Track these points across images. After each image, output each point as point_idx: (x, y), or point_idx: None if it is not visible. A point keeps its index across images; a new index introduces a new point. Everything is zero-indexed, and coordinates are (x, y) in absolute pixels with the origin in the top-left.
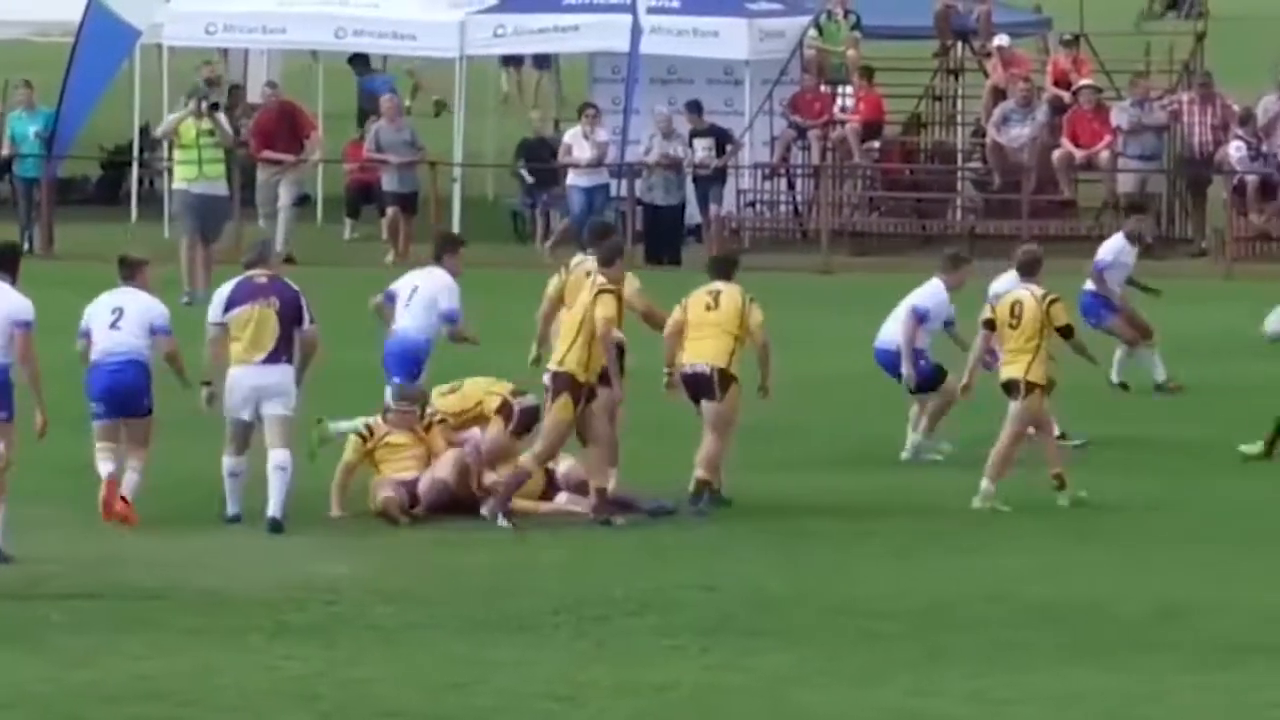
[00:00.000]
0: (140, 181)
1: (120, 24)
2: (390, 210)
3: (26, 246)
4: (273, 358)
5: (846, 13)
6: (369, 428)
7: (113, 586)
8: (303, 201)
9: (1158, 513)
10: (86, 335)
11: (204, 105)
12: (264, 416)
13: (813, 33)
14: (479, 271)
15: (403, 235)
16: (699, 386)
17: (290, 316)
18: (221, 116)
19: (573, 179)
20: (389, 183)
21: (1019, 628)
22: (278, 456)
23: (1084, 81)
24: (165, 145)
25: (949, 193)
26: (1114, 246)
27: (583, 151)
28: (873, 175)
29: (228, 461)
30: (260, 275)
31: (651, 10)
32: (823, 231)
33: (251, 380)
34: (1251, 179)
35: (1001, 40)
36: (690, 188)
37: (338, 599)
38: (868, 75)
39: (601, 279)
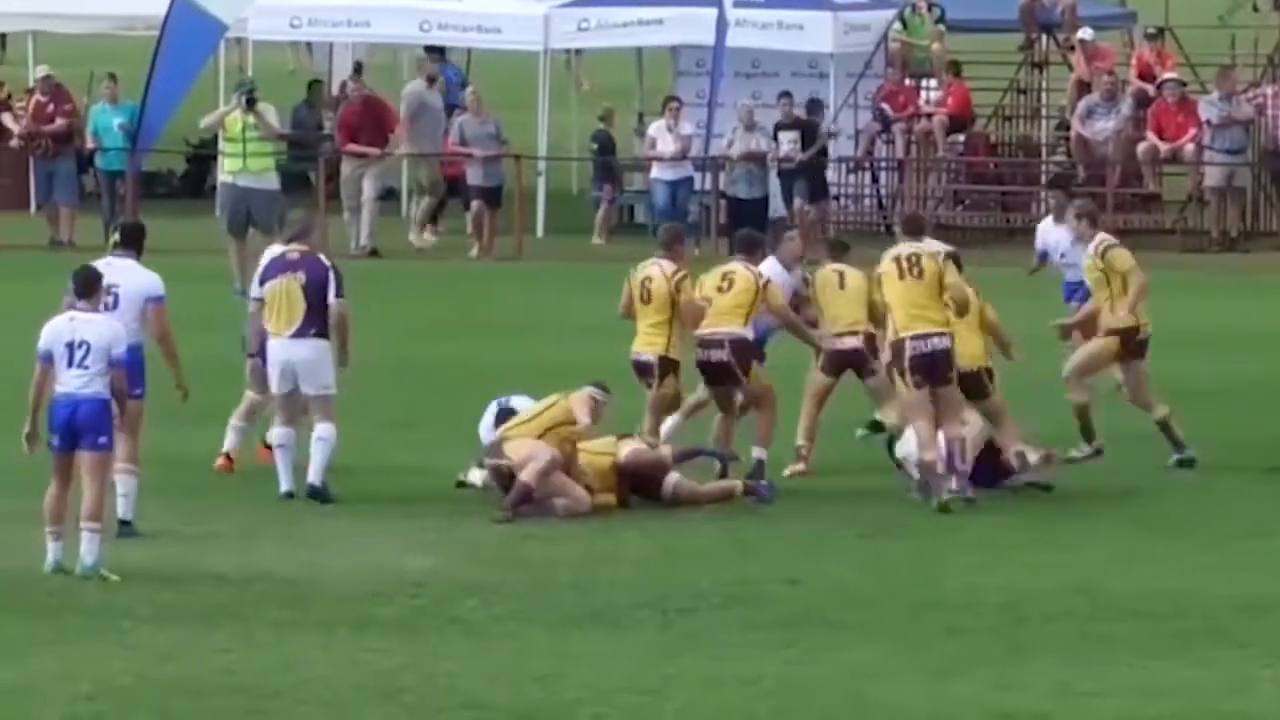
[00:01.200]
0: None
1: (207, 18)
2: (475, 204)
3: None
4: (300, 331)
5: (931, 6)
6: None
7: (198, 580)
8: (387, 195)
9: (1241, 505)
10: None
11: (244, 100)
12: (314, 394)
13: (897, 26)
14: (561, 265)
15: (487, 229)
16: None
17: (317, 291)
18: (266, 109)
19: (656, 172)
20: (473, 176)
21: (1102, 621)
22: (319, 429)
23: (1168, 75)
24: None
25: (1033, 186)
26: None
27: (666, 145)
28: (957, 169)
29: (275, 432)
30: (293, 251)
31: (737, 3)
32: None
33: (283, 354)
34: None
35: (1086, 33)
36: (776, 180)
37: (423, 592)
38: (955, 69)
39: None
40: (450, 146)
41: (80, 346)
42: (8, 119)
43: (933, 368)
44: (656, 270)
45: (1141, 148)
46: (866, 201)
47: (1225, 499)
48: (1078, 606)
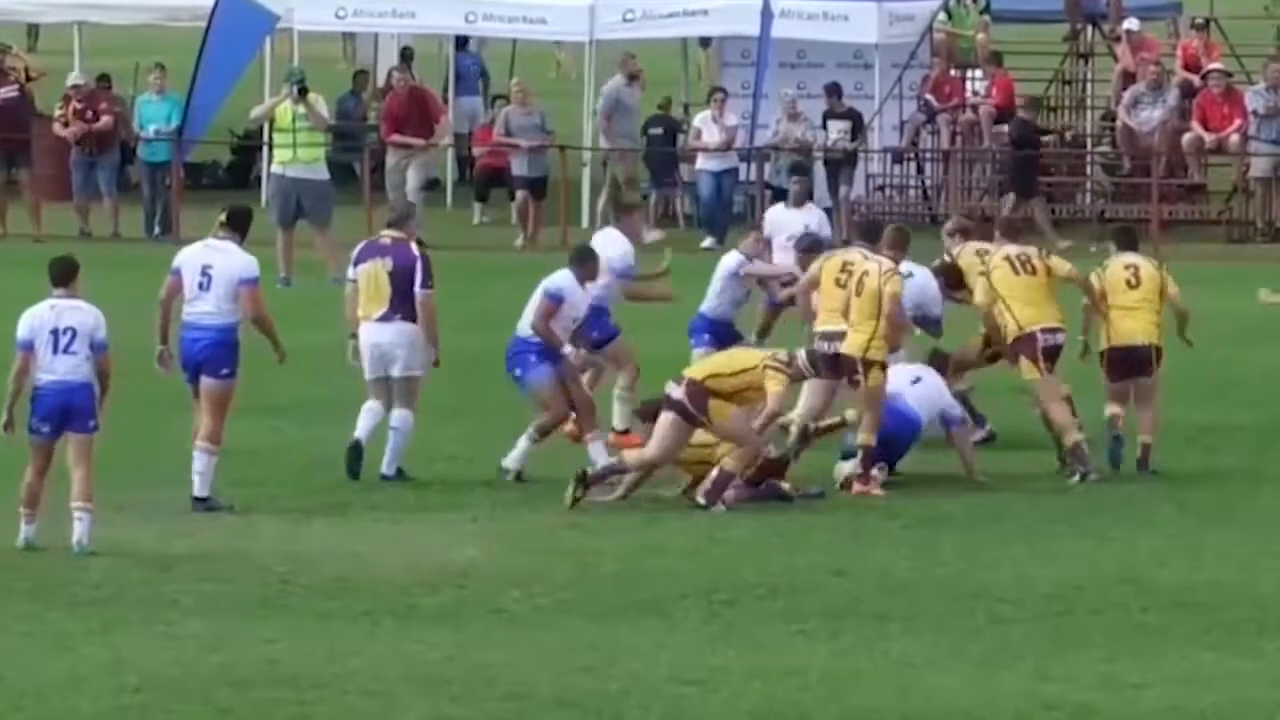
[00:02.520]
0: (270, 166)
1: (256, 9)
2: (520, 194)
3: (154, 231)
4: (386, 316)
5: None
6: None
7: (243, 570)
8: (432, 185)
9: None
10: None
11: (296, 90)
12: (400, 376)
13: (942, 16)
14: None
15: (532, 219)
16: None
17: (404, 277)
18: (316, 99)
19: (702, 163)
20: (518, 166)
21: (1149, 611)
22: (395, 416)
23: (1214, 65)
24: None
25: (1078, 176)
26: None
27: (712, 136)
28: (1002, 159)
29: (365, 405)
30: (387, 236)
31: None
32: (952, 215)
33: (370, 337)
34: None
35: (1131, 24)
36: (821, 171)
37: (468, 583)
38: (997, 60)
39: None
40: (495, 137)
41: (66, 333)
42: (58, 126)
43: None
44: (874, 266)
45: (1187, 138)
46: (911, 192)
47: (1274, 489)
48: (1124, 597)
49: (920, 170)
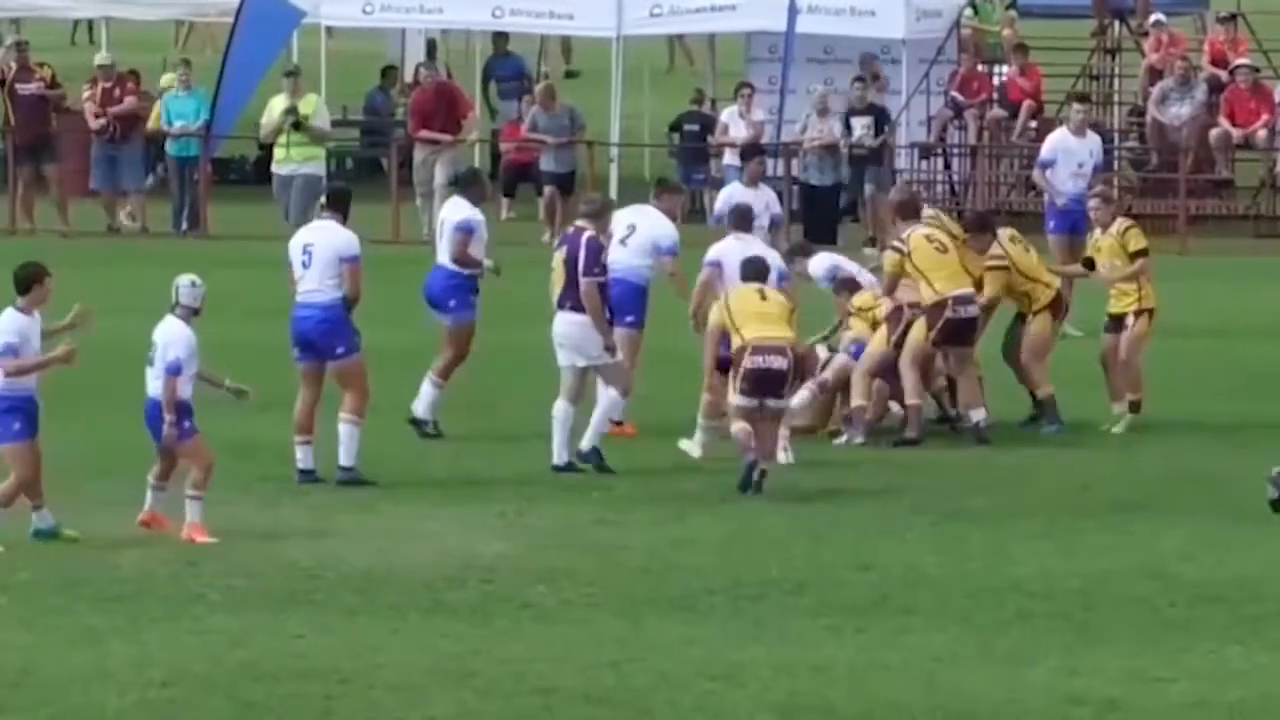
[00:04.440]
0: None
1: (282, 4)
2: (547, 190)
3: (182, 226)
4: (559, 304)
5: None
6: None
7: (270, 565)
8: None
9: None
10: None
11: (291, 125)
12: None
13: (968, 12)
14: None
15: (560, 215)
16: None
17: (572, 266)
18: (315, 113)
19: (729, 159)
20: (546, 163)
21: (1175, 606)
22: (600, 394)
23: (1241, 60)
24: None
25: (1106, 172)
26: (727, 193)
27: (739, 131)
28: (1030, 155)
29: (555, 406)
30: (574, 226)
31: None
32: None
33: (555, 324)
34: None
35: (1159, 19)
36: (848, 167)
37: (494, 578)
38: (1024, 51)
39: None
40: (523, 133)
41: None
42: (89, 107)
43: None
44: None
45: (1214, 134)
46: (939, 188)
47: None
48: (1150, 592)
49: (948, 166)
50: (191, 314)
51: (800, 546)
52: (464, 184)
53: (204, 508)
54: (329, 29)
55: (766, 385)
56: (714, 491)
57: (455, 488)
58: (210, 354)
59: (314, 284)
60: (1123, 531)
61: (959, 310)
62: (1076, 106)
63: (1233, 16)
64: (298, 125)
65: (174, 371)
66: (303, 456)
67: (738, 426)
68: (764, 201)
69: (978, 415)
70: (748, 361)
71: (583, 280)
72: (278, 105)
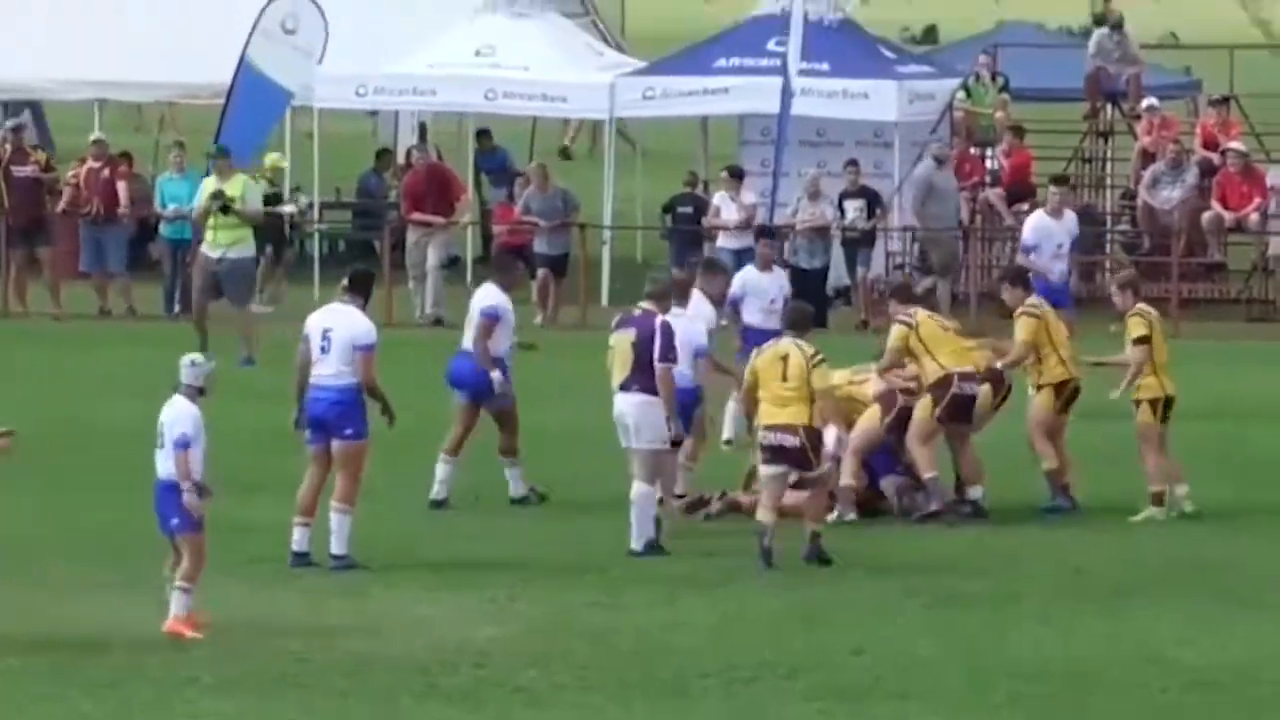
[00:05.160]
0: (291, 244)
1: (272, 86)
2: (540, 272)
3: (174, 309)
4: (625, 385)
5: (995, 75)
6: None
7: (262, 648)
8: (452, 263)
9: None
10: None
11: (219, 209)
12: (635, 448)
13: (961, 94)
14: None
15: (552, 297)
16: None
17: (644, 349)
18: (247, 196)
19: (722, 241)
20: (539, 245)
21: (1171, 692)
22: (633, 489)
23: (1233, 144)
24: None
25: (1098, 255)
26: (742, 276)
27: (730, 214)
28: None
29: (634, 489)
30: (639, 308)
31: (802, 73)
32: (971, 294)
33: (616, 406)
34: None
35: (1151, 102)
36: (839, 250)
37: (487, 662)
38: (1019, 133)
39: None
40: (515, 215)
41: None
42: (71, 186)
43: None
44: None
45: (1206, 217)
46: None
47: None
48: (1147, 677)
49: None
50: (196, 393)
51: (793, 629)
52: (498, 269)
53: (191, 601)
54: (322, 110)
55: (786, 458)
56: (707, 573)
57: (447, 571)
58: (216, 436)
59: (330, 369)
60: (1120, 616)
61: (964, 387)
62: (1054, 189)
63: (1225, 100)
64: (225, 209)
65: (182, 445)
66: (299, 538)
67: (761, 511)
68: (778, 284)
69: (975, 493)
70: (763, 437)
71: (659, 366)
72: (208, 187)
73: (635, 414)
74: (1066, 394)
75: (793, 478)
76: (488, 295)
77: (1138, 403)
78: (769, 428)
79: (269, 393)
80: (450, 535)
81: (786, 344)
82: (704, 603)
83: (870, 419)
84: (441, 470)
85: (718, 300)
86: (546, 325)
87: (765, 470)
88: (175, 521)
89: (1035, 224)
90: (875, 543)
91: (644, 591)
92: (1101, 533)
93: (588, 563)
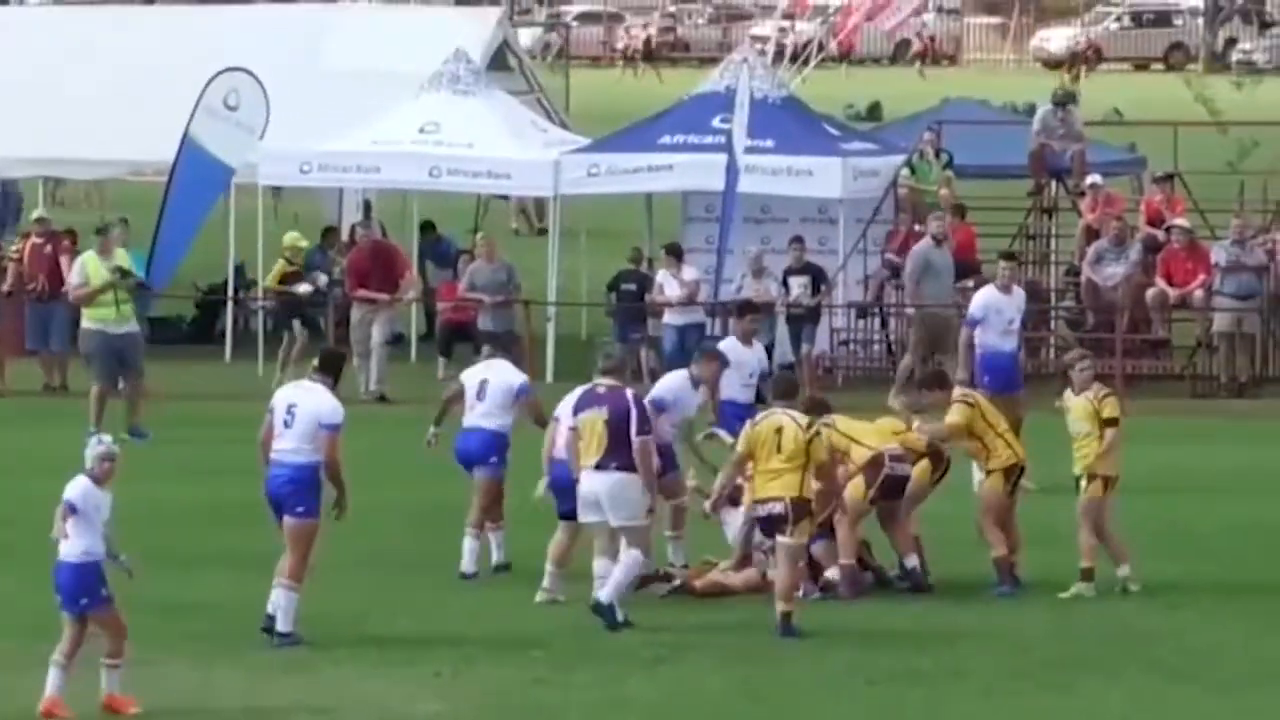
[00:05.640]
0: (235, 320)
1: (215, 162)
2: (485, 349)
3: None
4: (601, 464)
5: (939, 151)
6: None
7: None
8: (396, 340)
9: (1254, 651)
10: None
11: (121, 279)
12: (620, 525)
13: (905, 171)
14: None
15: None
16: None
17: (619, 426)
18: (135, 278)
19: (667, 318)
20: (484, 321)
21: None
22: (624, 554)
23: (1177, 220)
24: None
25: (1043, 331)
26: (723, 349)
27: (674, 290)
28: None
29: (597, 564)
30: (602, 385)
31: (746, 150)
32: (916, 370)
33: (586, 484)
34: None
35: (1095, 179)
36: (783, 327)
37: None
38: (960, 212)
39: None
40: (460, 292)
41: None
42: (12, 267)
43: None
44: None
45: (1150, 293)
46: (875, 348)
47: (1238, 645)
48: None
49: (884, 325)
50: (96, 472)
51: (738, 707)
52: (505, 345)
53: (122, 675)
54: (266, 187)
55: (771, 526)
56: (653, 648)
57: (393, 647)
58: (144, 514)
59: (291, 444)
60: (1063, 691)
61: (895, 468)
62: (1004, 264)
63: (1169, 176)
64: (125, 274)
65: (70, 509)
66: (274, 601)
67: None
68: (757, 358)
69: (911, 561)
70: (755, 510)
71: (638, 439)
72: (92, 262)
73: (610, 491)
74: (1015, 476)
75: (768, 544)
76: (513, 374)
77: (1090, 478)
78: (760, 501)
79: (208, 469)
80: (396, 610)
81: (780, 416)
82: (649, 680)
83: (856, 489)
84: (470, 544)
85: (711, 386)
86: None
87: (767, 542)
88: (85, 601)
89: (984, 299)
90: (819, 617)
91: (589, 667)
92: (1044, 609)
93: (533, 637)
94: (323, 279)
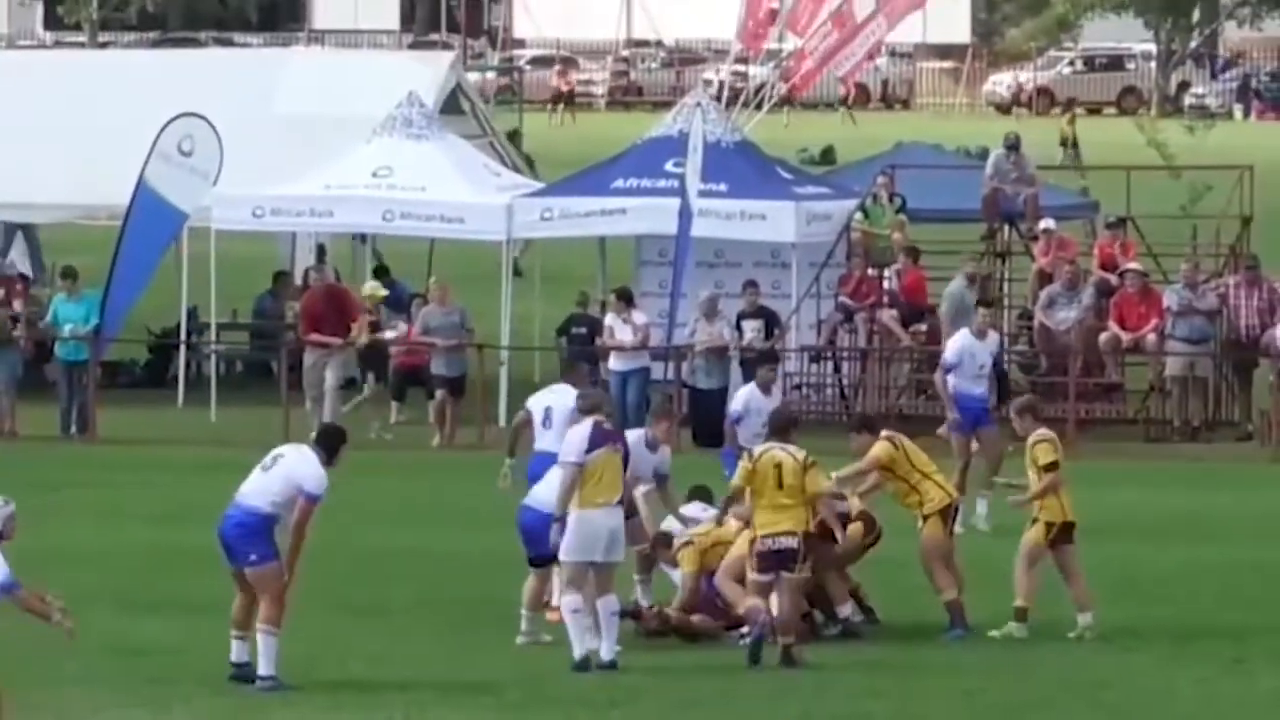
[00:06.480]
0: (188, 365)
1: (168, 207)
2: (438, 393)
3: (70, 429)
4: (619, 502)
5: (892, 196)
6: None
7: None
8: (349, 384)
9: (1204, 696)
10: None
11: None
12: (607, 562)
13: (858, 215)
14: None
15: (449, 418)
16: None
17: (622, 466)
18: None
19: (612, 363)
20: (437, 366)
21: None
22: (607, 600)
23: (1130, 265)
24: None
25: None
26: (745, 395)
27: (625, 335)
28: (919, 358)
29: (571, 600)
30: (605, 421)
31: (700, 194)
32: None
33: (603, 522)
34: None
35: (1048, 224)
36: (737, 370)
37: None
38: (914, 255)
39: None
40: (413, 336)
41: None
42: None
43: None
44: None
45: (1103, 338)
46: (829, 391)
47: (1191, 689)
48: None
49: (838, 369)
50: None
51: None
52: (567, 370)
53: None
54: (219, 232)
55: (779, 562)
56: (606, 694)
57: (345, 692)
58: (98, 557)
59: (255, 488)
60: None
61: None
62: (981, 311)
63: (1122, 221)
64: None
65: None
66: (235, 650)
67: (753, 602)
68: (774, 406)
69: (845, 610)
70: (761, 544)
71: (632, 479)
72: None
73: (619, 531)
74: (952, 516)
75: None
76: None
77: (1034, 522)
78: (768, 535)
79: (161, 514)
80: (345, 656)
81: (777, 451)
82: None
83: (855, 534)
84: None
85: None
86: (444, 446)
87: (756, 578)
88: None
89: (959, 344)
90: (771, 664)
91: (542, 713)
92: (997, 652)
93: (484, 683)
94: (403, 326)
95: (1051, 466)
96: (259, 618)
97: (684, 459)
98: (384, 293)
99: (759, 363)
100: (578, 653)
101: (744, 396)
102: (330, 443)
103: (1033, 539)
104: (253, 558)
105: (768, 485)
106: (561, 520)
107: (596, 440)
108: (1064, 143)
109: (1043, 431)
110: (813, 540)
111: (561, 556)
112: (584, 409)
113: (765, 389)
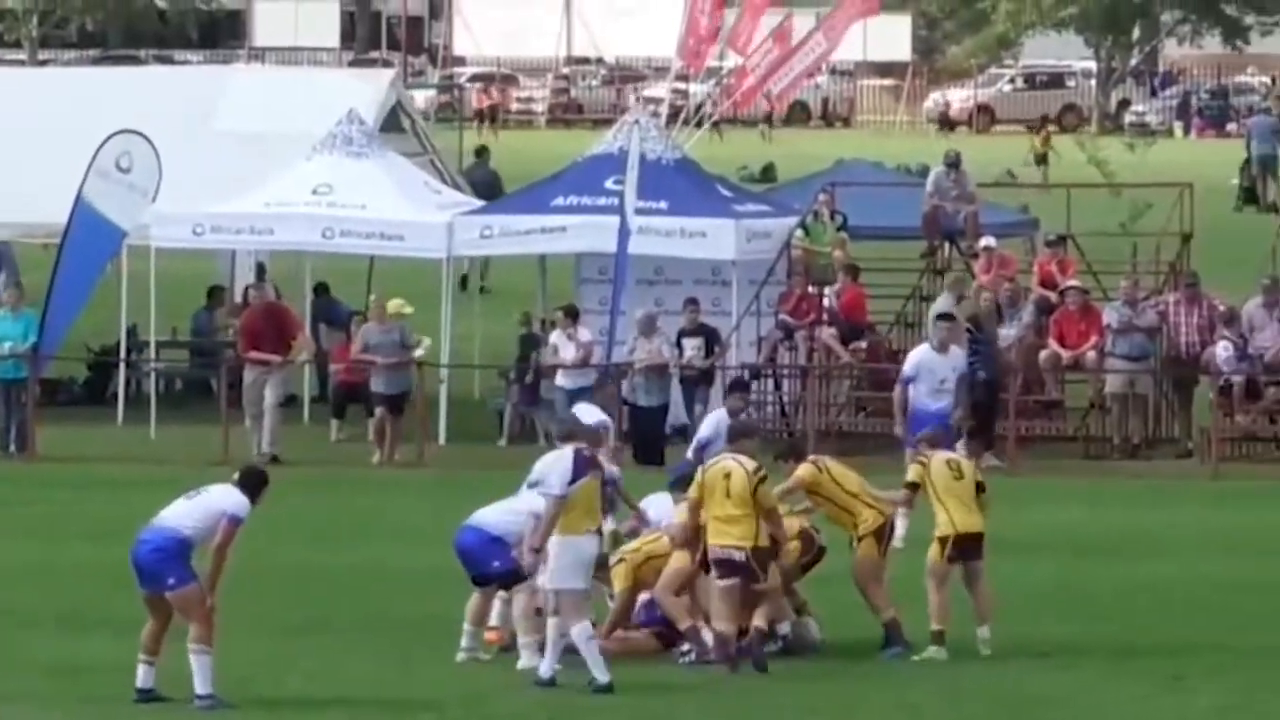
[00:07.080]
0: (127, 382)
1: (106, 224)
2: (378, 411)
3: (9, 447)
4: (599, 530)
5: (833, 213)
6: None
7: None
8: (289, 401)
9: (1145, 713)
10: None
11: None
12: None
13: (799, 233)
14: (463, 473)
15: (390, 436)
16: None
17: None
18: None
19: (559, 380)
20: (376, 384)
21: None
22: (577, 629)
23: (1071, 282)
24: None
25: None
26: (714, 420)
27: (568, 353)
28: (859, 375)
29: (582, 627)
30: (584, 448)
31: (639, 211)
32: (809, 432)
33: (589, 549)
34: (1237, 379)
35: (988, 241)
36: (677, 388)
37: None
38: (853, 273)
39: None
40: (352, 353)
41: None
42: None
43: None
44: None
45: (1043, 355)
46: (769, 409)
47: (1131, 706)
48: None
49: (778, 387)
50: None
51: None
52: (596, 387)
53: None
54: (159, 249)
55: (735, 571)
56: (547, 712)
57: (282, 710)
58: (34, 575)
59: (174, 513)
60: None
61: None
62: (941, 324)
63: (1062, 239)
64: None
65: None
66: (142, 675)
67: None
68: None
69: (784, 629)
70: (713, 553)
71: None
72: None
73: (594, 560)
74: (886, 537)
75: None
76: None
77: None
78: (719, 546)
79: (99, 532)
80: (283, 672)
81: (728, 461)
82: None
83: (792, 553)
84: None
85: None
86: (384, 464)
87: (720, 583)
88: None
89: (918, 358)
90: (710, 686)
91: None
92: (936, 671)
93: (424, 700)
94: (428, 341)
95: (910, 486)
96: (190, 638)
97: (624, 476)
98: (409, 309)
99: (732, 390)
100: (601, 678)
101: (714, 421)
102: (251, 483)
103: (931, 558)
104: (171, 581)
105: (715, 496)
106: (537, 552)
107: (579, 470)
108: (1037, 160)
109: (942, 453)
110: (764, 554)
111: (554, 585)
112: (564, 435)
113: (734, 416)
